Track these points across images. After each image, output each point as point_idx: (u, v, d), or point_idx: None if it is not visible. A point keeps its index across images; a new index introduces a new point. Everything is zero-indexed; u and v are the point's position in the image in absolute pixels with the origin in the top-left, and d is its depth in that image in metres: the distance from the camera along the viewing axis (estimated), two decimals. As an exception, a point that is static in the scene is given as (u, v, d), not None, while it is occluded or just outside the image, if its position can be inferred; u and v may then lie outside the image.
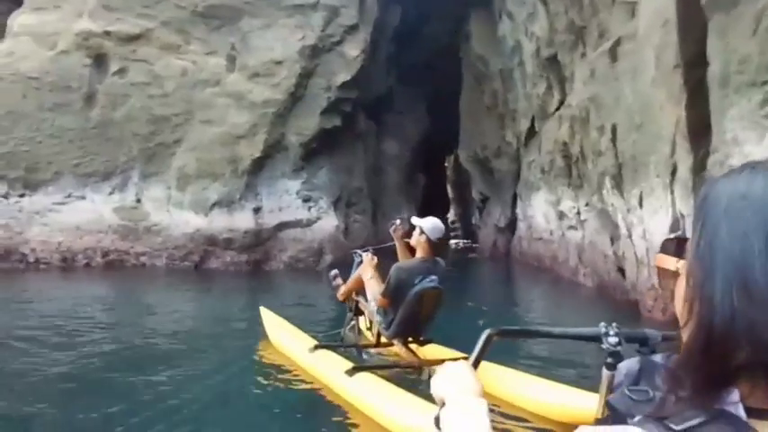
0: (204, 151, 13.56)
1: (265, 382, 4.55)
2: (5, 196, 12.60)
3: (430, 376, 4.70)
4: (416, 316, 4.34)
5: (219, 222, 13.24)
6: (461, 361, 0.87)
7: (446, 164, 32.24)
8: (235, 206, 13.47)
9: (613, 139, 8.74)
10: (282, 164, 14.17)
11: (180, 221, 13.11)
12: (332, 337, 5.12)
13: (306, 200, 14.35)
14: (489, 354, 0.97)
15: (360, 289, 4.82)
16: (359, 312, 4.90)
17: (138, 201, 13.21)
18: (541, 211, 13.63)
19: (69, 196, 12.87)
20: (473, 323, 6.72)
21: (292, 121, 14.16)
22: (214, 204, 13.38)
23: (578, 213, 11.15)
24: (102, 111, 13.24)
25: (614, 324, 0.99)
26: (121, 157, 13.25)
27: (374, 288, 4.55)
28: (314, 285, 10.94)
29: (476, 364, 0.91)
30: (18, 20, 13.99)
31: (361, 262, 4.86)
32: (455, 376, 0.82)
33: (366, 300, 4.72)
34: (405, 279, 4.25)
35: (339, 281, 5.06)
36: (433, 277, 4.30)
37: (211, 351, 5.62)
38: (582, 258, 10.99)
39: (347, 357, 4.53)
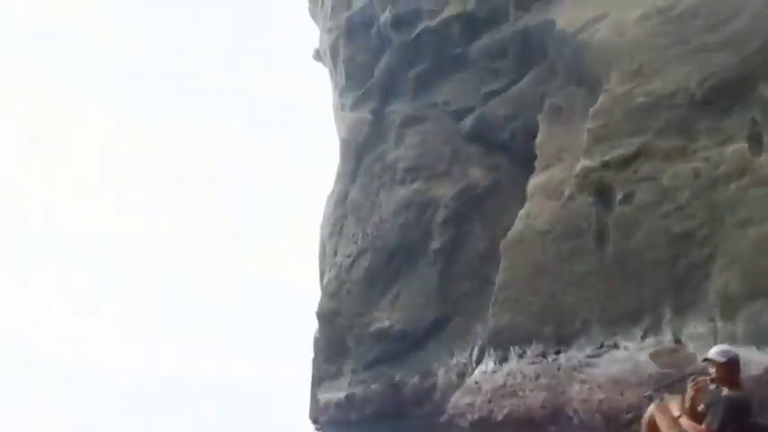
0: (749, 263, 10.23)
1: None
2: (543, 355, 12.38)
3: None
4: None
5: (799, 357, 9.21)
6: None
7: None
8: (817, 330, 9.25)
9: None
10: None
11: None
12: None
13: None
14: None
15: None
16: None
17: (678, 341, 10.73)
18: None
19: (601, 346, 11.61)
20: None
21: None
22: (784, 332, 9.56)
23: None
24: (615, 246, 11.99)
25: None
26: (646, 292, 11.34)
27: (687, 426, 4.18)
28: None
29: None
30: (532, 183, 14.90)
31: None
32: None
33: None
34: (741, 416, 4.00)
35: None
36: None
37: None
38: None
39: None
